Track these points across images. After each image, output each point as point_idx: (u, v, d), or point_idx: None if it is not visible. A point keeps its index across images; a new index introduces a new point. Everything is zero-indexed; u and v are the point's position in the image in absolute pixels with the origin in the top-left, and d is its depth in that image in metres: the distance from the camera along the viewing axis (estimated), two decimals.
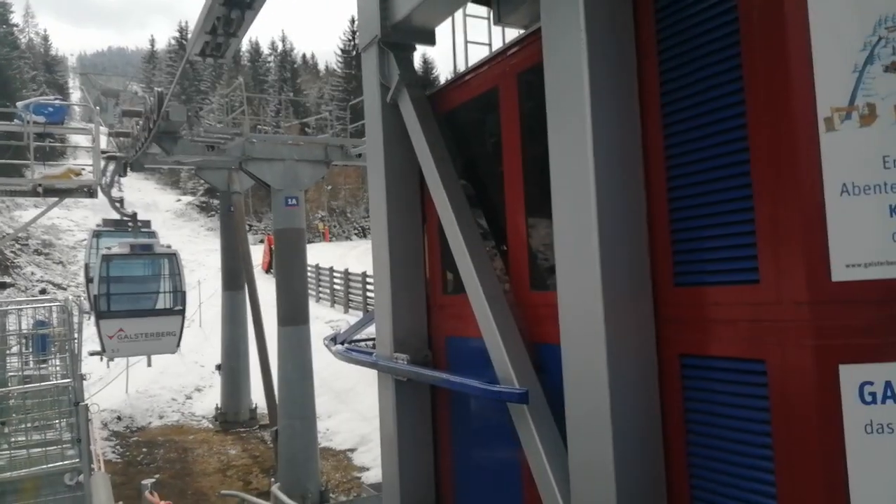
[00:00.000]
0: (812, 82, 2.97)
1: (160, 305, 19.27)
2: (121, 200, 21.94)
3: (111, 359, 18.97)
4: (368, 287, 27.39)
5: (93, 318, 18.63)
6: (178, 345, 19.35)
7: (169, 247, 20.13)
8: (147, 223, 22.98)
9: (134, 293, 19.08)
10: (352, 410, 19.79)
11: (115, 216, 22.18)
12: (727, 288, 3.27)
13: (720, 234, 3.31)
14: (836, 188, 2.96)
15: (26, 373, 11.52)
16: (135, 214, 22.22)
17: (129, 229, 21.58)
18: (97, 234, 21.68)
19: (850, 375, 2.91)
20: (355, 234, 57.96)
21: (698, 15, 3.39)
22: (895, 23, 2.97)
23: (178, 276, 19.34)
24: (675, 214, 3.53)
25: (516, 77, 4.76)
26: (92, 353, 18.49)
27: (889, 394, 2.90)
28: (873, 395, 2.91)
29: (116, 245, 18.85)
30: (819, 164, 2.95)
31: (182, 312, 19.30)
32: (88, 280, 20.30)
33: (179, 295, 19.33)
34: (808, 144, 2.95)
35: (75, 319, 10.70)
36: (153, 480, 6.09)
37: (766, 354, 3.09)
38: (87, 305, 19.75)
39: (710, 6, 3.33)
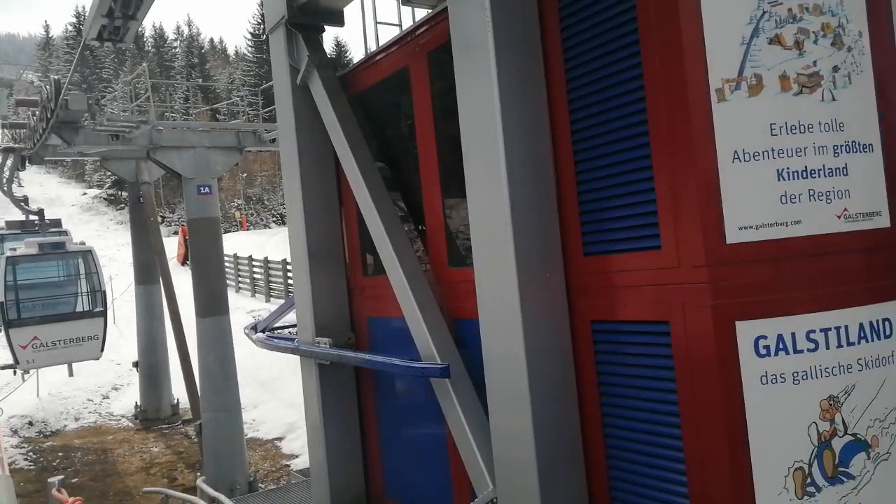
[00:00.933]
0: (704, 55, 3.12)
1: (78, 308, 18.11)
2: (24, 199, 20.73)
3: (26, 371, 17.66)
4: (289, 275, 27.00)
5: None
6: (103, 349, 18.19)
7: (83, 243, 19.02)
8: (58, 222, 21.60)
9: (47, 297, 17.79)
10: (278, 399, 19.52)
11: (18, 216, 20.99)
12: (632, 255, 3.42)
13: (624, 204, 3.44)
14: (728, 155, 3.13)
15: None
16: (41, 211, 20.88)
17: (37, 229, 20.20)
18: (2, 239, 20.16)
19: (746, 331, 3.11)
20: (274, 221, 56.76)
21: None
22: None
23: (95, 275, 18.12)
24: (582, 187, 3.65)
25: (426, 56, 4.77)
26: (3, 367, 17.31)
27: (781, 346, 3.11)
28: (767, 348, 3.12)
29: (23, 245, 17.51)
30: (712, 132, 3.11)
31: (104, 314, 18.13)
32: None
33: (99, 295, 18.16)
34: (702, 114, 3.10)
35: None
36: (61, 477, 5.84)
37: (669, 316, 3.26)
38: None
39: None
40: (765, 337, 3.12)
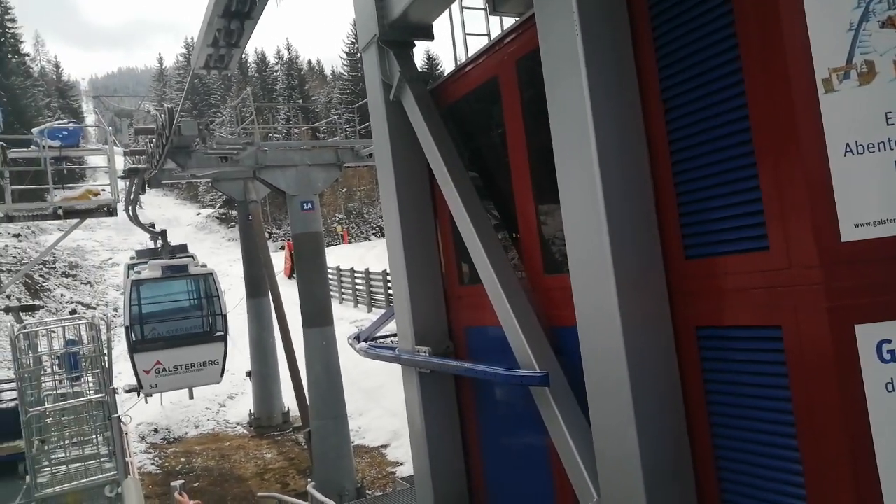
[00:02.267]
0: (808, 44, 2.96)
1: (200, 332, 17.63)
2: (152, 224, 20.49)
3: (149, 395, 17.42)
4: (390, 285, 27.53)
5: (122, 350, 17.30)
6: (223, 374, 17.69)
7: (205, 266, 18.60)
8: (184, 247, 21.14)
9: (169, 320, 17.41)
10: (382, 407, 19.93)
11: (141, 237, 21.70)
12: (738, 257, 3.27)
13: (727, 205, 3.30)
14: (839, 149, 2.94)
15: (61, 391, 11.78)
16: (164, 232, 20.39)
17: (159, 249, 19.78)
18: (131, 268, 19.21)
19: (867, 335, 2.91)
20: (373, 234, 58.16)
21: None
22: None
23: (216, 298, 17.54)
24: (681, 188, 3.53)
25: (515, 64, 4.77)
26: (129, 391, 16.94)
27: None
28: (892, 352, 2.90)
29: (147, 268, 17.30)
30: (820, 125, 2.94)
31: (224, 338, 17.53)
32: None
33: (220, 319, 17.54)
34: (807, 107, 2.94)
35: (104, 336, 10.91)
36: (182, 482, 6.22)
37: (781, 320, 3.09)
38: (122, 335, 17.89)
39: None
40: (889, 341, 2.90)
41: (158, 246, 20.28)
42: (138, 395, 17.32)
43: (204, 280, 17.73)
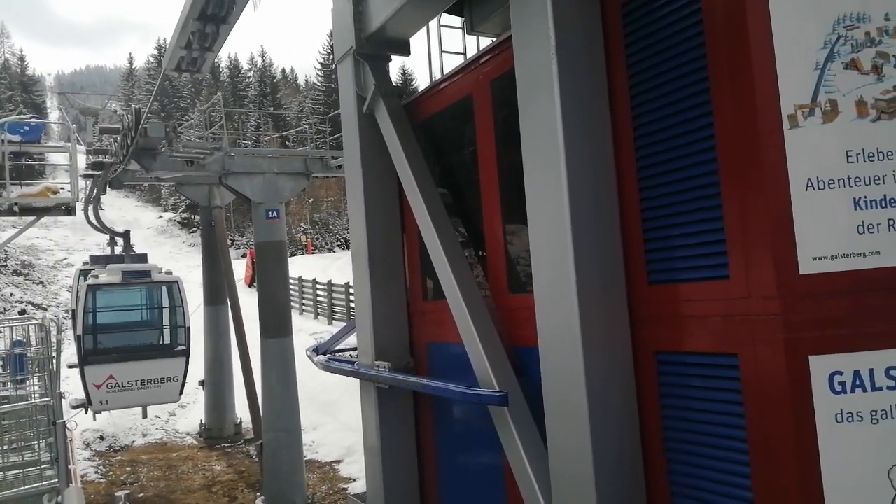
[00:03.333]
0: (775, 80, 3.05)
1: (159, 344, 16.14)
2: (117, 231, 19.01)
3: (98, 412, 15.81)
4: (352, 298, 27.35)
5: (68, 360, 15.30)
6: (182, 392, 16.09)
7: (169, 273, 16.92)
8: (142, 257, 19.27)
9: (127, 331, 15.84)
10: (337, 422, 19.67)
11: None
12: (699, 284, 3.33)
13: (691, 232, 3.36)
14: (801, 183, 3.03)
15: (3, 394, 11.37)
16: (127, 233, 18.63)
17: (122, 252, 17.96)
18: (84, 274, 17.48)
19: (820, 366, 2.97)
20: (338, 245, 57.81)
21: (664, 19, 3.46)
22: (853, 21, 3.07)
23: (181, 309, 15.96)
24: (647, 214, 3.58)
25: (490, 84, 4.81)
26: (76, 406, 15.49)
27: (858, 383, 2.96)
28: (843, 384, 2.97)
29: (105, 272, 15.57)
30: (784, 159, 3.02)
31: (186, 353, 15.95)
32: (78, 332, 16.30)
33: (182, 331, 15.94)
34: (773, 141, 3.02)
35: (53, 338, 10.57)
36: (127, 492, 6.03)
37: (738, 348, 3.14)
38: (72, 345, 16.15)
39: (674, 10, 3.40)
40: (840, 373, 2.98)
41: (116, 251, 18.85)
42: (85, 412, 15.85)
43: (168, 288, 16.24)
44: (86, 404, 15.15)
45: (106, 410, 15.94)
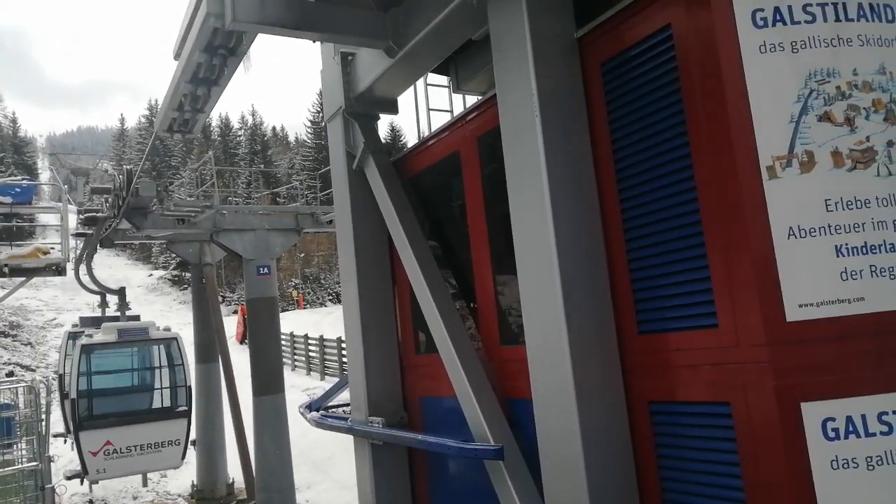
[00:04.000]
0: (752, 133, 3.15)
1: (159, 406, 15.13)
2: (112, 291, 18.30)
3: (94, 482, 14.87)
4: (344, 353, 27.16)
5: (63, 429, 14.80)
6: (184, 456, 15.11)
7: (168, 329, 16.12)
8: (136, 318, 18.65)
9: (124, 394, 14.87)
10: (331, 480, 19.27)
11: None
12: (688, 333, 3.36)
13: (677, 282, 3.41)
14: (783, 232, 3.10)
15: None
16: (122, 290, 17.94)
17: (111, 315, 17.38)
18: (74, 337, 16.67)
19: (813, 413, 2.99)
20: (329, 300, 57.63)
21: (642, 76, 3.58)
22: (824, 76, 3.19)
23: (181, 367, 15.13)
24: (634, 265, 3.64)
25: (476, 140, 4.92)
26: (70, 477, 14.36)
27: (851, 429, 2.98)
28: (836, 430, 2.98)
29: (99, 332, 14.74)
30: (765, 210, 3.10)
31: (188, 414, 15.06)
32: (64, 396, 15.08)
33: (184, 391, 15.07)
34: (753, 192, 3.10)
35: (42, 400, 10.41)
36: None
37: (730, 397, 3.16)
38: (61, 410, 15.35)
39: (652, 67, 3.52)
40: (833, 419, 2.99)
41: (108, 312, 18.11)
42: (81, 483, 14.86)
43: (167, 346, 15.37)
44: (81, 474, 14.00)
45: (103, 479, 14.93)
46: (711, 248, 3.21)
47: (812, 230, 3.09)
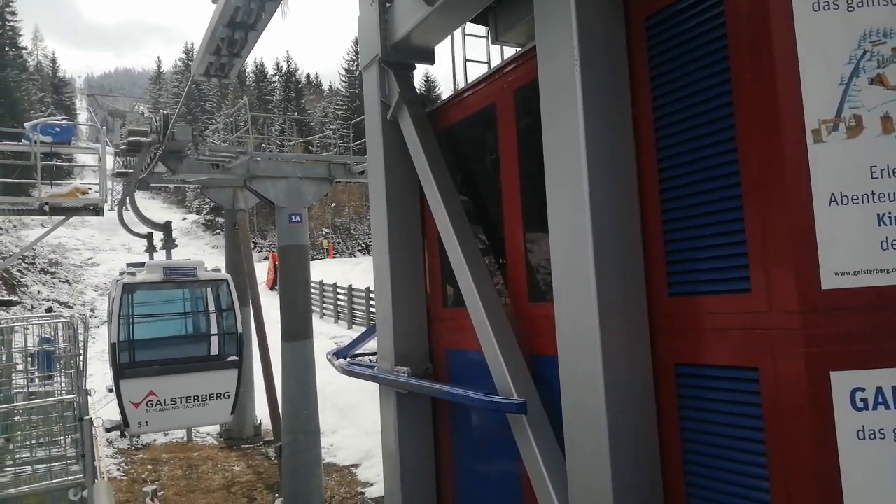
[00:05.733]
0: (800, 95, 3.05)
1: (207, 353, 13.63)
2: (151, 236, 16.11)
3: (136, 436, 13.70)
4: (372, 303, 27.47)
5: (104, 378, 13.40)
6: (234, 410, 13.68)
7: (217, 270, 14.34)
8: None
9: (169, 339, 13.58)
10: (356, 426, 19.76)
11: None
12: (720, 297, 3.33)
13: (712, 245, 3.36)
14: (824, 198, 3.02)
15: (31, 389, 11.57)
16: (168, 224, 16.42)
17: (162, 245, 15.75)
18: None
19: (842, 382, 2.96)
20: (359, 250, 58.07)
21: (688, 32, 3.47)
22: (879, 37, 3.06)
23: (231, 312, 13.54)
24: (669, 226, 3.59)
25: (514, 93, 4.84)
26: (110, 429, 13.25)
27: (881, 400, 2.94)
28: (864, 401, 2.95)
29: (143, 270, 13.25)
30: (807, 174, 3.02)
31: (239, 364, 13.55)
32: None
33: (235, 339, 13.51)
34: (796, 155, 3.02)
35: (80, 336, 10.74)
36: (154, 488, 6.12)
37: (758, 362, 3.14)
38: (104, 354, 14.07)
39: (699, 23, 3.41)
40: (862, 389, 2.96)
41: (155, 257, 16.05)
42: (122, 435, 13.85)
43: (216, 288, 13.79)
44: (121, 426, 12.81)
45: (147, 432, 13.63)
46: (749, 212, 3.15)
47: (854, 197, 3.01)
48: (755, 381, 3.14)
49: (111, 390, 12.63)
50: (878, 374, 2.95)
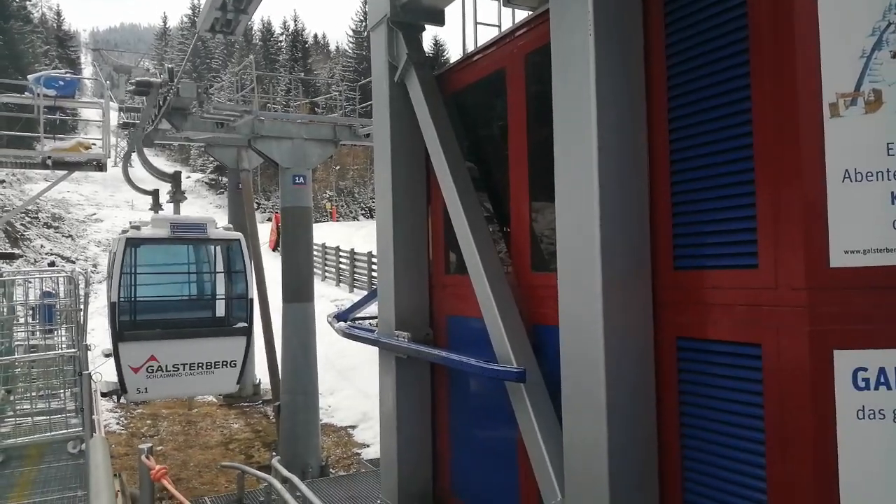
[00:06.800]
0: (819, 67, 2.96)
1: (214, 318, 12.79)
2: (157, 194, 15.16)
3: (134, 402, 12.86)
4: (374, 267, 27.56)
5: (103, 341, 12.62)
6: (240, 380, 12.69)
7: (229, 228, 13.34)
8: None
9: (174, 300, 12.76)
10: (354, 388, 19.95)
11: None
12: (726, 272, 3.29)
13: (721, 219, 3.31)
14: (838, 174, 2.96)
15: (32, 342, 11.65)
16: (177, 174, 15.31)
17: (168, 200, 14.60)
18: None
19: (845, 361, 2.93)
20: (362, 214, 57.95)
21: None
22: None
23: (242, 274, 12.50)
24: (678, 198, 3.53)
25: (524, 58, 4.74)
26: (106, 394, 12.36)
27: (882, 380, 2.92)
28: (866, 380, 2.93)
29: (150, 224, 12.24)
30: (822, 149, 2.95)
31: (249, 331, 12.57)
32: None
33: (245, 304, 12.53)
34: (812, 129, 2.95)
35: (81, 291, 10.75)
36: (150, 445, 6.17)
37: (762, 339, 3.11)
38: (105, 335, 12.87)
39: None
40: (864, 369, 2.93)
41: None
42: (117, 400, 12.96)
43: (227, 248, 12.68)
44: (118, 391, 11.98)
45: (145, 400, 12.84)
46: (761, 186, 3.09)
47: (869, 174, 2.94)
48: (758, 357, 3.12)
49: (108, 355, 11.87)
50: (882, 354, 2.92)
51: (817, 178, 2.93)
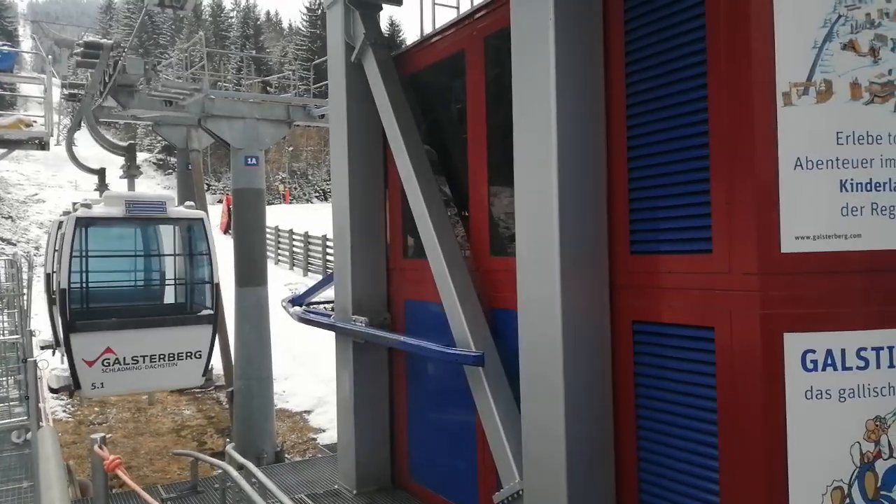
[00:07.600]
0: (773, 56, 3.02)
1: (175, 305, 11.72)
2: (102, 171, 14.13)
3: (89, 398, 11.89)
4: (328, 250, 27.28)
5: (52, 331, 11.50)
6: (205, 372, 11.55)
7: (192, 206, 12.25)
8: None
9: (132, 287, 11.83)
10: (309, 372, 19.78)
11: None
12: (680, 257, 3.35)
13: (677, 205, 3.37)
14: (790, 162, 3.03)
15: None
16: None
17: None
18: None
19: (795, 343, 3.02)
20: (316, 197, 57.26)
21: None
22: (855, 2, 3.03)
23: (207, 258, 11.42)
24: (634, 184, 3.57)
25: (483, 41, 4.72)
26: (56, 390, 11.09)
27: (829, 361, 3.02)
28: (815, 362, 3.03)
29: (102, 201, 10.99)
30: (775, 137, 3.01)
31: (214, 319, 11.44)
32: (52, 297, 11.18)
33: (209, 289, 11.42)
34: (765, 117, 3.01)
35: (24, 275, 10.34)
36: (102, 435, 5.99)
37: (715, 322, 3.18)
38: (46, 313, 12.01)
39: None
40: (813, 351, 3.03)
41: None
42: (70, 396, 11.82)
43: (189, 228, 11.57)
44: (71, 386, 10.66)
45: (102, 395, 11.79)
46: (716, 173, 3.15)
47: (819, 162, 3.02)
48: (710, 339, 3.19)
49: (49, 347, 10.91)
50: (830, 336, 3.02)
51: (770, 165, 3.00)
